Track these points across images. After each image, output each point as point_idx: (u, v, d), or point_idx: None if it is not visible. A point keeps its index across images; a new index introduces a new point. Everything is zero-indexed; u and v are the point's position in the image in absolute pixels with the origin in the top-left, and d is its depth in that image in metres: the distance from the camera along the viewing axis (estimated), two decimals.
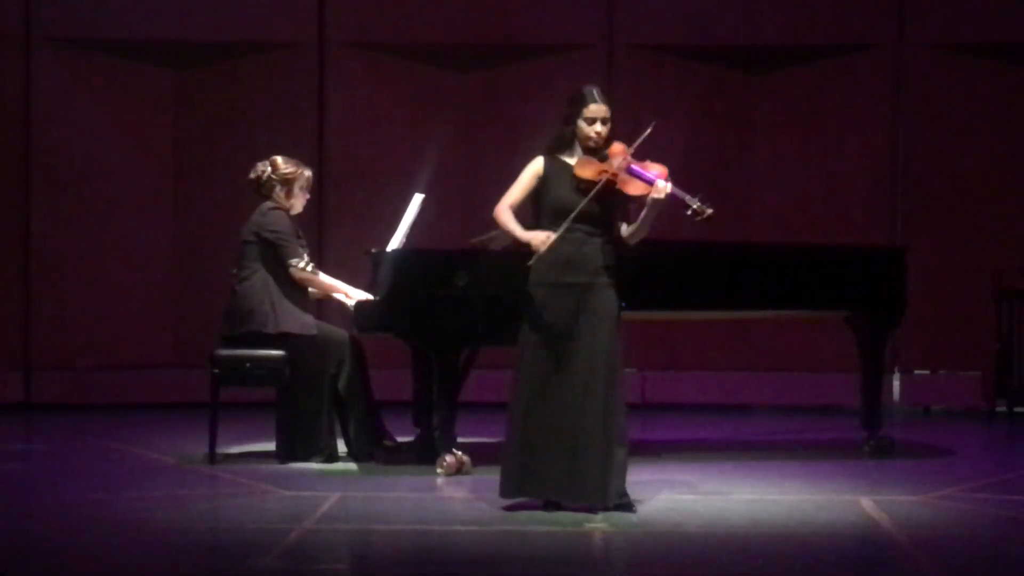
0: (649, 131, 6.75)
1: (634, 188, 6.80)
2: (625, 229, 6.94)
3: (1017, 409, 10.89)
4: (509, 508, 6.82)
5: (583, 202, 6.71)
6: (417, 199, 8.52)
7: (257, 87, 11.48)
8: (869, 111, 11.44)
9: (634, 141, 6.80)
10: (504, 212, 6.87)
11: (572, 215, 6.70)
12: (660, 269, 8.08)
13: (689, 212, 6.76)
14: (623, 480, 6.78)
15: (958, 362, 11.42)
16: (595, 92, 6.84)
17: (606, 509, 6.73)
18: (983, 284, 11.05)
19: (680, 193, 6.75)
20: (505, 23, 11.46)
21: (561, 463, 6.72)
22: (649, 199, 6.75)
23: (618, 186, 6.77)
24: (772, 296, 8.51)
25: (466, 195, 11.39)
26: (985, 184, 11.33)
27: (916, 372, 11.55)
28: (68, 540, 6.27)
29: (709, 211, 6.73)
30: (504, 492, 6.85)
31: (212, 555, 6.21)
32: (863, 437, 8.75)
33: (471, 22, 11.45)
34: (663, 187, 6.71)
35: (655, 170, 6.81)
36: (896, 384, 11.43)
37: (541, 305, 6.80)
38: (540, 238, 6.72)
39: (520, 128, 11.15)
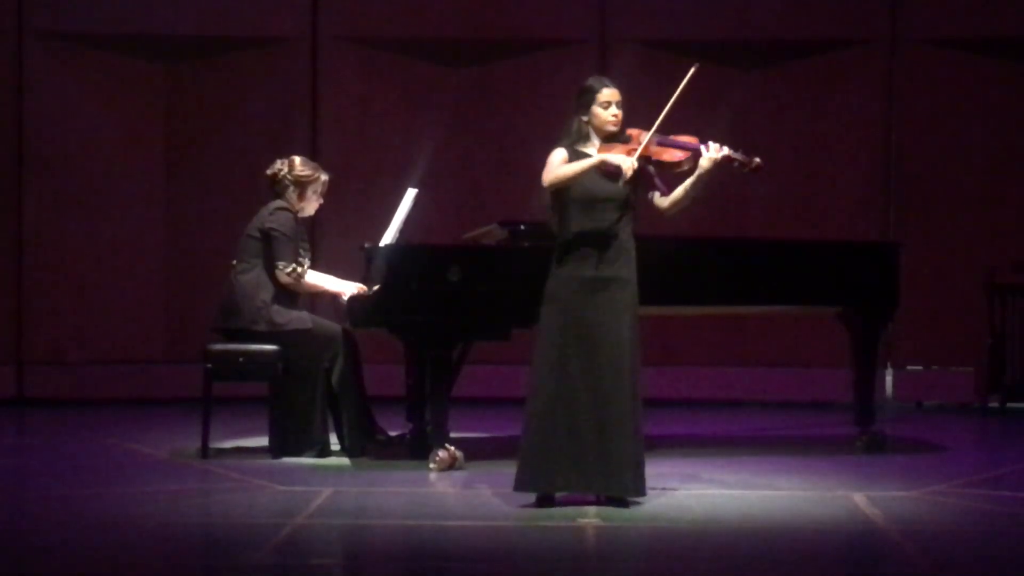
0: (692, 72, 6.74)
1: (670, 155, 6.73)
2: (662, 199, 6.84)
3: (1010, 405, 10.88)
4: (526, 505, 6.74)
5: (614, 187, 6.62)
6: (410, 194, 8.50)
7: (250, 81, 11.45)
8: (863, 107, 11.42)
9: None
10: (556, 168, 6.70)
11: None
12: (653, 264, 8.04)
13: (736, 164, 6.72)
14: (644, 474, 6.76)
15: (951, 358, 11.42)
16: (605, 79, 6.87)
17: (622, 504, 6.70)
18: (976, 279, 11.04)
19: (728, 150, 6.70)
20: (498, 18, 11.44)
21: (591, 455, 6.63)
22: (702, 164, 6.68)
23: (655, 157, 6.71)
24: (765, 292, 8.50)
25: (459, 190, 11.39)
26: (978, 179, 11.32)
27: (909, 368, 11.54)
28: (60, 535, 6.26)
29: (757, 160, 6.69)
30: (519, 486, 6.73)
31: (205, 550, 6.21)
32: (856, 433, 8.74)
33: (464, 17, 11.43)
34: (715, 147, 6.66)
35: (687, 138, 6.78)
36: (889, 380, 11.41)
37: (564, 297, 6.72)
38: (624, 159, 6.58)
39: (513, 123, 11.16)
